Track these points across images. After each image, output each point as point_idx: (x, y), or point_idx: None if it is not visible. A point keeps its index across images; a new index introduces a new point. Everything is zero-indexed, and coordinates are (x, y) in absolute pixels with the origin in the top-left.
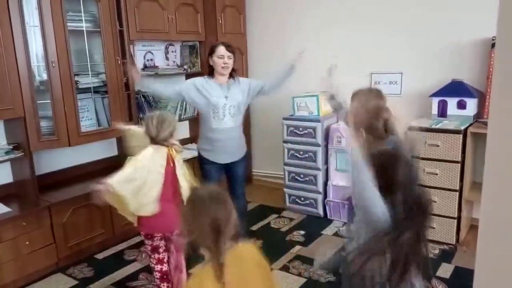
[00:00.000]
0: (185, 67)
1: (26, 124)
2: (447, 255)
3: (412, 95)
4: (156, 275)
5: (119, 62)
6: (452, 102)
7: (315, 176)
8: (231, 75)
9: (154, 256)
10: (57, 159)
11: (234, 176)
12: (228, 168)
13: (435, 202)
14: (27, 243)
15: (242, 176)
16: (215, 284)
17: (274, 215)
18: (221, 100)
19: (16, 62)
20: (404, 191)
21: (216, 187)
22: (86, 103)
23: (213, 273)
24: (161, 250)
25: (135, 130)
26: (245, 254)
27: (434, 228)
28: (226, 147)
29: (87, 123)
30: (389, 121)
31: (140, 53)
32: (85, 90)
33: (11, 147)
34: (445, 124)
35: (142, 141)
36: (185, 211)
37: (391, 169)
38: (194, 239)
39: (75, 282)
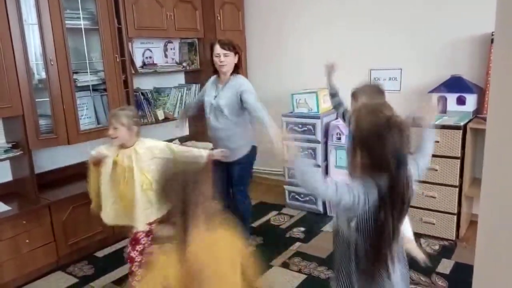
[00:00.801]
0: (184, 64)
1: (25, 122)
2: (447, 251)
3: (412, 91)
4: (136, 262)
5: (117, 60)
6: (451, 98)
7: None
8: (235, 72)
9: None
10: (56, 157)
11: (230, 177)
12: (228, 167)
13: (434, 198)
14: (27, 241)
15: (237, 178)
16: (178, 259)
17: (274, 212)
18: (209, 100)
19: (14, 60)
20: (392, 172)
21: (192, 164)
22: (85, 101)
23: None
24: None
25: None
26: (219, 243)
27: (434, 224)
28: (217, 146)
29: (86, 121)
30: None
31: (138, 50)
32: (84, 88)
33: (10, 145)
34: (445, 120)
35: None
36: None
37: (380, 138)
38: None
39: (75, 280)
